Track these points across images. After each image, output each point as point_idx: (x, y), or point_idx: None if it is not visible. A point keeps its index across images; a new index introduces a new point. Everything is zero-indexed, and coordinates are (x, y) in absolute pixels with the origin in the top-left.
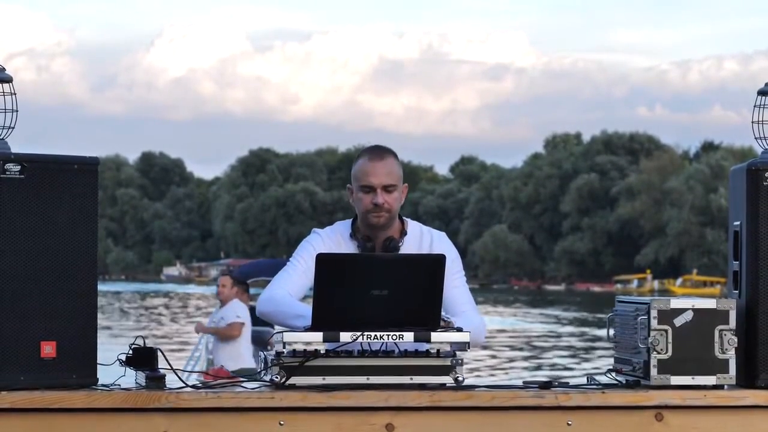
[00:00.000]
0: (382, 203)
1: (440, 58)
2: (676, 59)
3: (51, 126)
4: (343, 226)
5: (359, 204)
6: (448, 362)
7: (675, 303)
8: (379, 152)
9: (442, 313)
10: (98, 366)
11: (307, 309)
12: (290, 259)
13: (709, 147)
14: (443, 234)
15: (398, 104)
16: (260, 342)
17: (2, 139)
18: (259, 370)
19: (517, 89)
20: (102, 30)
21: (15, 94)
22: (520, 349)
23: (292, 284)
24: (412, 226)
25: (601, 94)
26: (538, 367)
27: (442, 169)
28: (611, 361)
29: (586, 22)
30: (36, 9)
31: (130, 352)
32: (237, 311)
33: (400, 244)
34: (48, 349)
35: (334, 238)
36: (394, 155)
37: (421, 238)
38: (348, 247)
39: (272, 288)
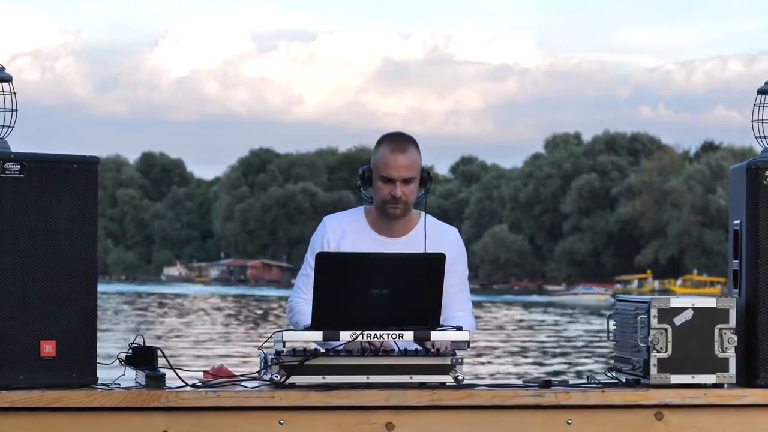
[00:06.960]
0: (400, 196)
1: (445, 59)
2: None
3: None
4: (356, 211)
5: (377, 193)
6: (447, 361)
7: (675, 302)
8: (401, 144)
9: None
10: (98, 365)
11: None
12: (305, 256)
13: (709, 147)
14: (455, 229)
15: (402, 105)
16: None
17: (2, 138)
18: (259, 369)
19: (520, 90)
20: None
21: (15, 93)
22: (520, 349)
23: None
24: (426, 217)
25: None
26: (538, 366)
27: (443, 169)
28: (611, 360)
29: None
30: (41, 10)
31: (130, 351)
32: None
33: (413, 231)
34: (48, 349)
35: (346, 221)
36: (416, 145)
37: (433, 229)
38: (360, 226)
39: (294, 297)
